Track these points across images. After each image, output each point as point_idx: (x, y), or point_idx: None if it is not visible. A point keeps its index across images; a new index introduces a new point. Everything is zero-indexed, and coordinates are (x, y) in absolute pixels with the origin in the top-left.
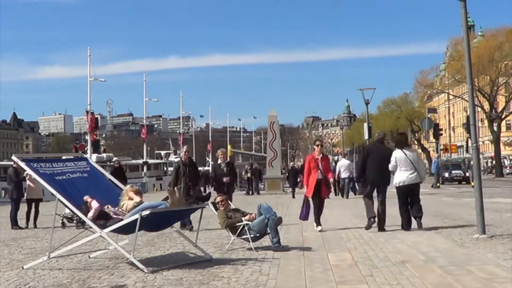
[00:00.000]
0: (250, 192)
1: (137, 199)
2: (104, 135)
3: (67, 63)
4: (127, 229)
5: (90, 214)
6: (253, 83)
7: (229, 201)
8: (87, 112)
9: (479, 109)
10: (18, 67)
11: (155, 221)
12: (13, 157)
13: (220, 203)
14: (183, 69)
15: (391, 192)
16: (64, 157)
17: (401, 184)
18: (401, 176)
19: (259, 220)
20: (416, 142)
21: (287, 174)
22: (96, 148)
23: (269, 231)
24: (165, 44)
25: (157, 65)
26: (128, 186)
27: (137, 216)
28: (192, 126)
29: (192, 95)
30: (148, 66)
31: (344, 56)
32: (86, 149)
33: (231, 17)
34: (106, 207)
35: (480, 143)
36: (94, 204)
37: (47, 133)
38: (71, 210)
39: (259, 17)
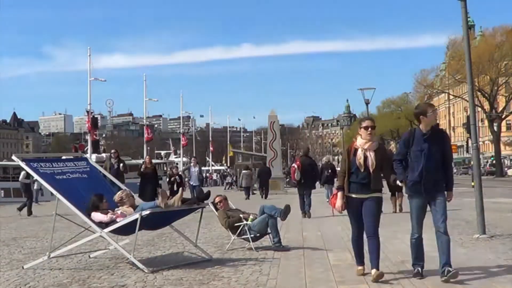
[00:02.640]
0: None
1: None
2: (104, 135)
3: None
4: (127, 229)
5: (104, 219)
6: (253, 82)
7: (228, 201)
8: (87, 111)
9: (479, 109)
10: (76, 55)
11: (155, 221)
12: (13, 157)
13: (219, 203)
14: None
15: None
16: (64, 157)
17: None
18: None
19: (260, 219)
20: None
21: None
22: (95, 148)
23: (269, 230)
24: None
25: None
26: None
27: (137, 216)
28: (192, 126)
29: (192, 95)
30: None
31: (344, 55)
32: (86, 149)
33: (226, 16)
34: (115, 214)
35: (480, 143)
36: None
37: (47, 133)
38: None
39: (258, 15)
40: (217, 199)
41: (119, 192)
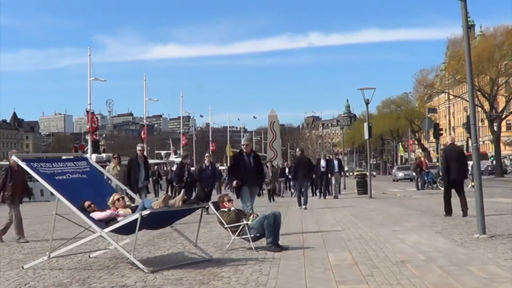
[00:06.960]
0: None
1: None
2: (104, 135)
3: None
4: (127, 229)
5: (103, 216)
6: (253, 82)
7: (232, 202)
8: (88, 112)
9: (479, 109)
10: (128, 45)
11: (155, 221)
12: (14, 157)
13: (225, 202)
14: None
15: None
16: (64, 157)
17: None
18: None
19: (258, 220)
20: (416, 142)
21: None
22: (96, 148)
23: (265, 230)
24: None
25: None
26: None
27: (137, 215)
28: (192, 126)
29: (192, 94)
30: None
31: (345, 55)
32: (86, 149)
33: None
34: (116, 212)
35: (481, 143)
36: (108, 212)
37: (47, 133)
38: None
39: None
40: (226, 198)
41: (113, 195)
